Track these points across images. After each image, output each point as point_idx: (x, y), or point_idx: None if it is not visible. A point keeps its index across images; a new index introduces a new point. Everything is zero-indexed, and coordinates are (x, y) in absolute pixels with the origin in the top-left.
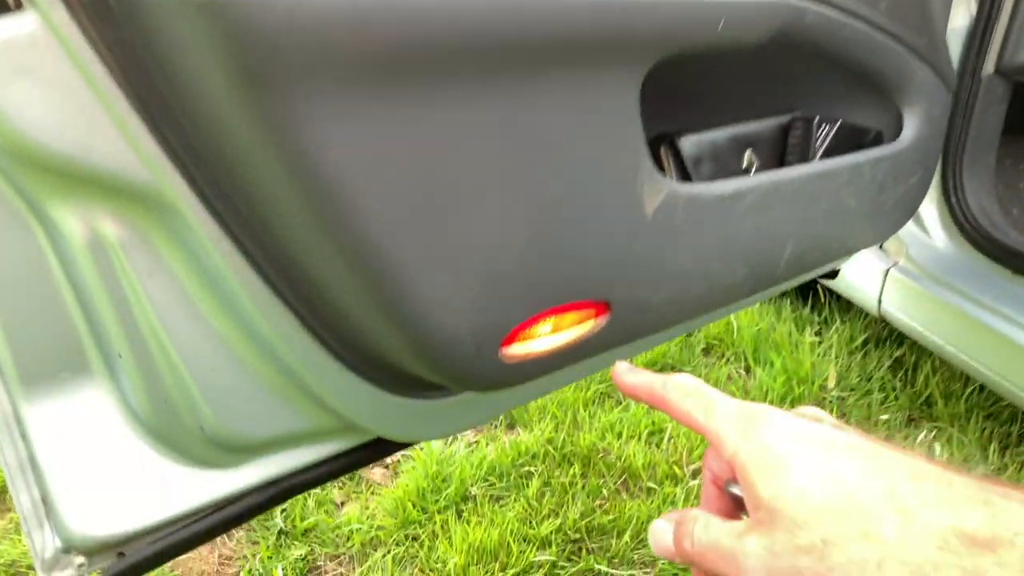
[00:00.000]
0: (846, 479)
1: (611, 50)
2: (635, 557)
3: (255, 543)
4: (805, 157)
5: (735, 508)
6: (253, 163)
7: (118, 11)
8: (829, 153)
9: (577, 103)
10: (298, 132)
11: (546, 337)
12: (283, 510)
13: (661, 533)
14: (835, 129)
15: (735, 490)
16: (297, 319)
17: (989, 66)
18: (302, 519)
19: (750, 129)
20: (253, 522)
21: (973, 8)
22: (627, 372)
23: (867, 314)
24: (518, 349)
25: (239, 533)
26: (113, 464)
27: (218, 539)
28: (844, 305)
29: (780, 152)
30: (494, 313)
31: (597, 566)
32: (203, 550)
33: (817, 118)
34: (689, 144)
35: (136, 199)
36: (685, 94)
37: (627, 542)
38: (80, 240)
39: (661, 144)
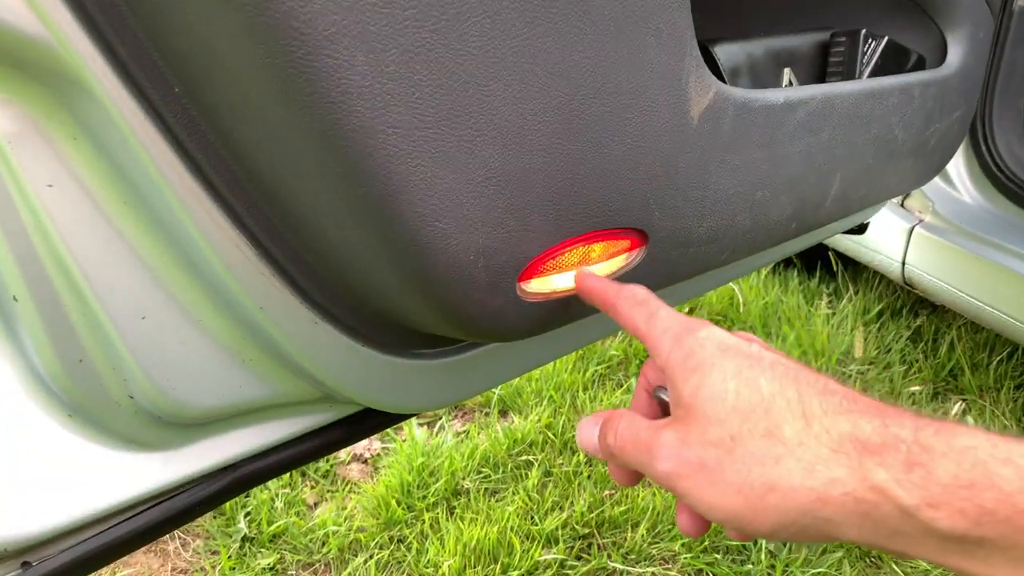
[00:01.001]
0: (760, 387)
1: None
2: (653, 552)
3: (215, 552)
4: (849, 76)
5: (661, 413)
6: (200, 18)
7: None
8: (874, 74)
9: None
10: None
11: (571, 272)
12: (247, 513)
13: (588, 430)
14: (882, 46)
15: (663, 395)
16: (255, 247)
17: None
18: (269, 523)
19: (788, 43)
20: (213, 529)
21: None
22: (588, 276)
23: (880, 283)
24: (538, 285)
25: (196, 542)
26: (12, 446)
27: (171, 549)
28: (854, 275)
29: (820, 72)
30: (511, 236)
31: (611, 563)
32: (153, 563)
33: (863, 32)
34: (726, 53)
35: (28, 71)
36: (715, 6)
37: (643, 535)
38: None
39: None
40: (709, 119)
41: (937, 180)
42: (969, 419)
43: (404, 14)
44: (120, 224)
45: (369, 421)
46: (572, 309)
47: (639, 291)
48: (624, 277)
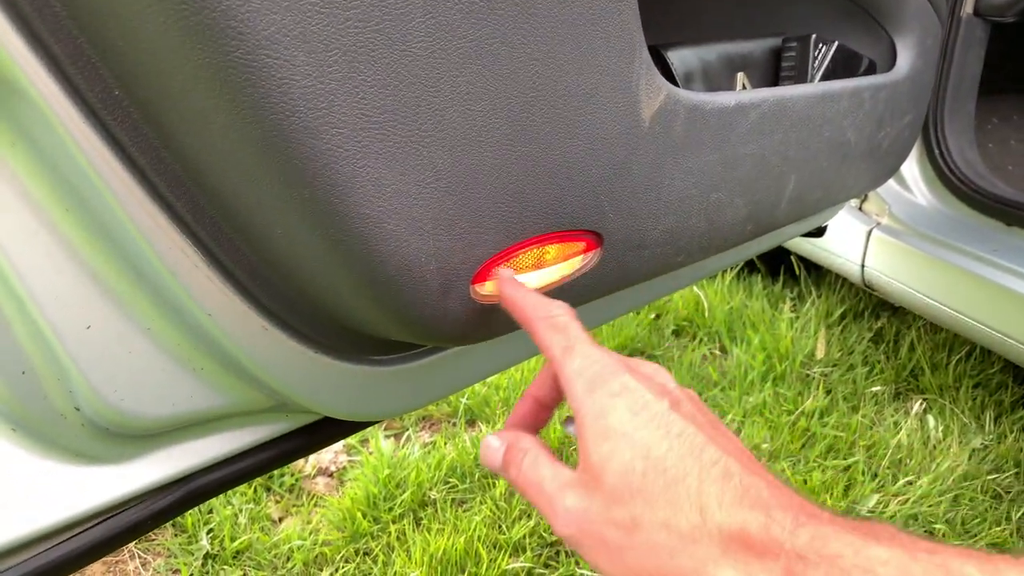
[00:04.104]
0: (666, 471)
1: None
2: None
3: (176, 571)
4: (801, 81)
5: (540, 419)
6: (137, 18)
7: None
8: (826, 78)
9: None
10: None
11: (527, 273)
12: (210, 530)
13: (492, 451)
14: (833, 50)
15: (570, 429)
16: (201, 252)
17: (968, 6)
18: (232, 539)
19: (740, 49)
20: (174, 547)
21: None
22: (508, 283)
23: (843, 287)
24: (494, 287)
25: (156, 561)
26: None
27: (131, 568)
28: (817, 279)
29: (773, 77)
30: (464, 238)
31: (579, 570)
32: None
33: (814, 37)
34: (679, 58)
35: None
36: (666, 11)
37: None
38: None
39: None
40: (660, 121)
41: (893, 183)
42: (930, 419)
43: (346, 14)
44: (63, 231)
45: (327, 430)
46: None
47: (560, 315)
48: (581, 279)
